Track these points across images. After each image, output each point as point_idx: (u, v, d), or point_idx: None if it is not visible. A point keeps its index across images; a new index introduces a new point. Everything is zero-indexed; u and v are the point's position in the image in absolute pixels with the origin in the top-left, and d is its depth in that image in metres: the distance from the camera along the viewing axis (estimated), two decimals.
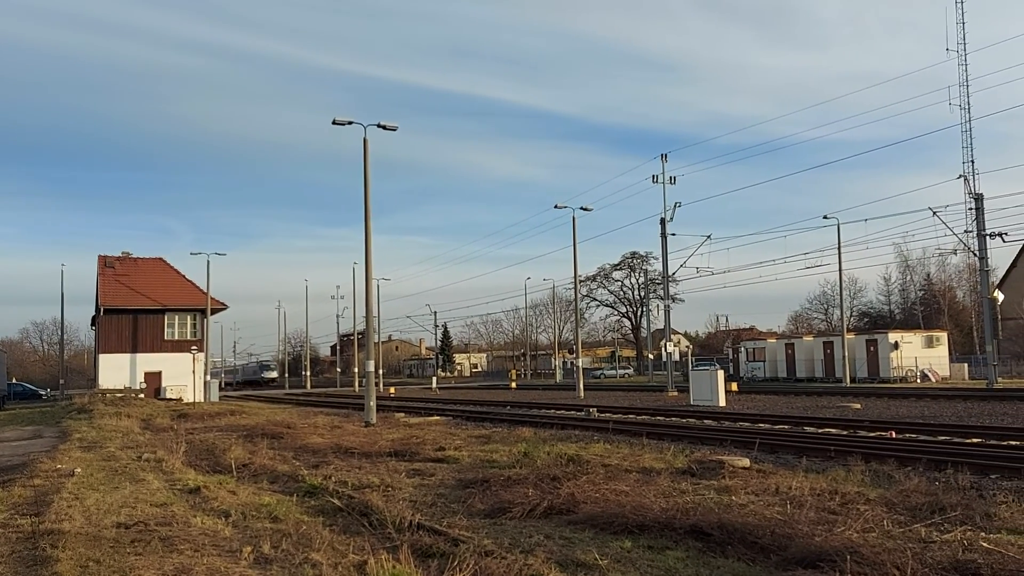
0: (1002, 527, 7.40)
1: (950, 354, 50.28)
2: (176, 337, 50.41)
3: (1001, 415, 22.35)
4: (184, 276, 53.61)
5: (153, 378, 49.22)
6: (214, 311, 52.57)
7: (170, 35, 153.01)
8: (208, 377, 50.67)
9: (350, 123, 26.25)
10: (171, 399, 45.29)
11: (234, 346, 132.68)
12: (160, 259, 55.11)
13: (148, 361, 49.36)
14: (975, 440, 15.67)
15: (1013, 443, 14.83)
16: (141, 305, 49.75)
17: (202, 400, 45.81)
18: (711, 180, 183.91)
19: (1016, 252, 66.84)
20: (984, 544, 6.34)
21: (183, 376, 48.66)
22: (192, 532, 7.94)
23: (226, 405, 39.54)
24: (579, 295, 58.62)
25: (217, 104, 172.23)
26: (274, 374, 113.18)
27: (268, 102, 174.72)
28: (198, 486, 11.00)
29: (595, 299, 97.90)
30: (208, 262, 51.76)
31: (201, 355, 49.43)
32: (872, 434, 17.27)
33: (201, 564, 6.53)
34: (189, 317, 51.08)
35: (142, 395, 45.24)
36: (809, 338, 56.67)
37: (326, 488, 10.57)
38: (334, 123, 26.11)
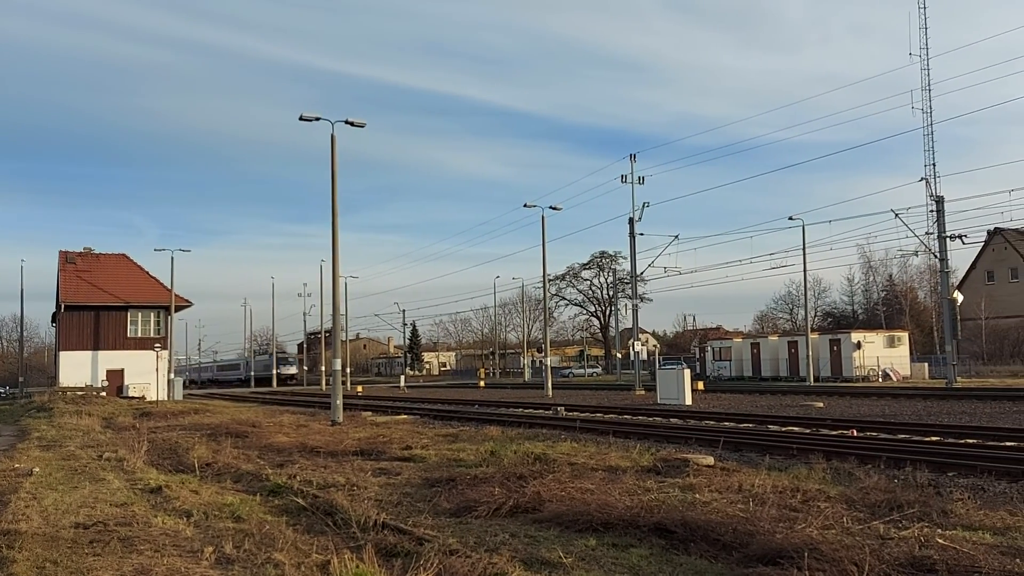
0: (958, 524, 7.55)
1: (911, 354, 51.21)
2: (139, 334, 49.62)
3: (959, 414, 22.81)
4: (148, 272, 52.79)
5: (115, 376, 48.41)
6: (178, 308, 51.87)
7: (138, 29, 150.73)
8: (172, 375, 50.01)
9: (317, 119, 26.05)
10: (134, 397, 44.63)
11: (199, 344, 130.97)
12: (123, 255, 54.22)
13: (110, 359, 48.53)
14: (934, 438, 15.96)
15: (970, 441, 15.13)
16: (103, 302, 48.89)
17: (166, 398, 45.22)
18: (679, 180, 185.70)
19: (975, 254, 68.37)
20: (940, 540, 6.46)
21: (146, 374, 48.01)
22: (153, 532, 7.84)
23: (190, 404, 39.04)
24: (548, 294, 58.73)
25: (184, 99, 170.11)
26: (294, 369, 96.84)
27: (236, 97, 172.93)
28: (160, 485, 10.87)
29: (564, 298, 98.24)
30: (172, 258, 51.09)
31: (165, 353, 48.81)
32: (834, 432, 17.52)
33: (161, 565, 6.45)
34: (153, 314, 50.28)
35: (104, 393, 44.50)
36: (774, 338, 57.37)
37: (290, 487, 10.49)
38: (301, 119, 25.92)
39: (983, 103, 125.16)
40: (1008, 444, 14.38)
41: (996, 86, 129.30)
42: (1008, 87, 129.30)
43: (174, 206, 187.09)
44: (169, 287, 50.40)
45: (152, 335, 49.78)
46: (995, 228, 61.41)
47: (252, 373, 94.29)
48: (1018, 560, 5.99)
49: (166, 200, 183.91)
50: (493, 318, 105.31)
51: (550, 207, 45.84)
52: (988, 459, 11.95)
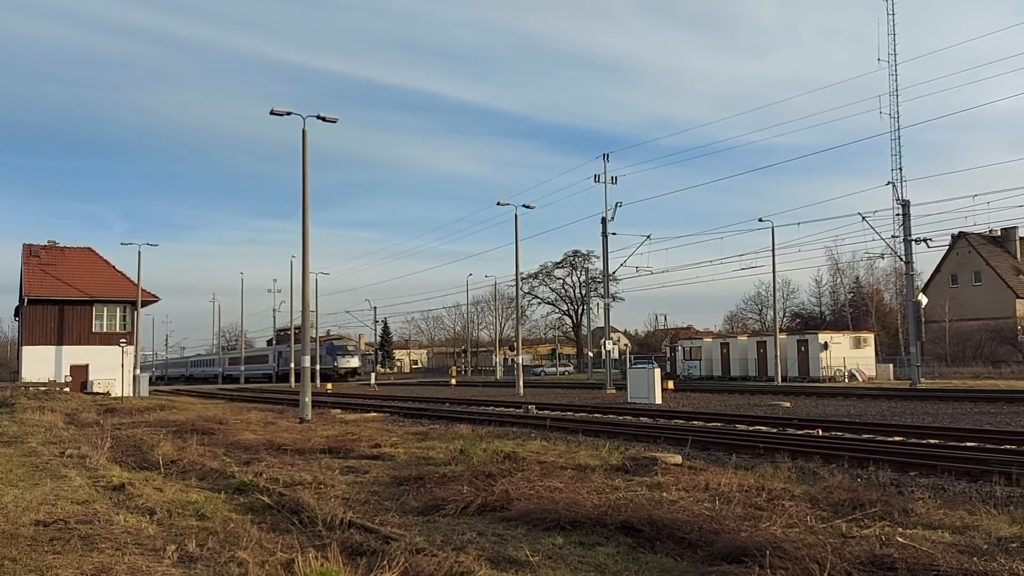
0: (918, 523, 7.68)
1: (876, 355, 51.95)
2: (104, 329, 48.91)
3: (922, 414, 23.18)
4: (114, 267, 52.05)
5: (79, 371, 47.68)
6: (145, 303, 51.15)
7: (110, 21, 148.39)
8: (138, 371, 49.33)
9: (288, 114, 25.83)
10: (98, 393, 44.00)
11: (166, 339, 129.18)
12: (88, 249, 53.39)
13: (74, 354, 47.78)
14: (897, 438, 16.19)
15: (932, 442, 15.38)
16: (68, 296, 48.09)
17: (131, 394, 44.62)
18: (652, 181, 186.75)
19: (940, 257, 69.66)
20: (900, 539, 6.56)
21: (111, 370, 47.31)
22: (114, 530, 7.73)
23: (156, 400, 38.55)
24: (521, 292, 58.80)
25: (155, 92, 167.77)
26: (356, 362, 74.55)
27: (208, 91, 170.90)
28: (123, 483, 10.73)
29: (537, 297, 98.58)
30: (139, 252, 50.34)
31: (131, 348, 48.14)
32: (800, 432, 17.72)
33: (122, 563, 6.37)
34: (118, 309, 49.57)
35: (67, 389, 43.82)
36: (743, 338, 57.92)
37: (256, 485, 10.39)
38: (272, 113, 25.68)
39: (949, 109, 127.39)
40: (969, 445, 14.64)
41: (962, 92, 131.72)
42: (973, 94, 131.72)
43: (142, 200, 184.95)
44: (136, 282, 49.72)
45: (118, 330, 49.11)
46: (959, 232, 62.69)
47: (278, 368, 72.16)
48: (975, 559, 6.09)
49: (134, 193, 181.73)
50: (465, 316, 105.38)
51: (523, 205, 45.96)
52: (949, 459, 12.15)
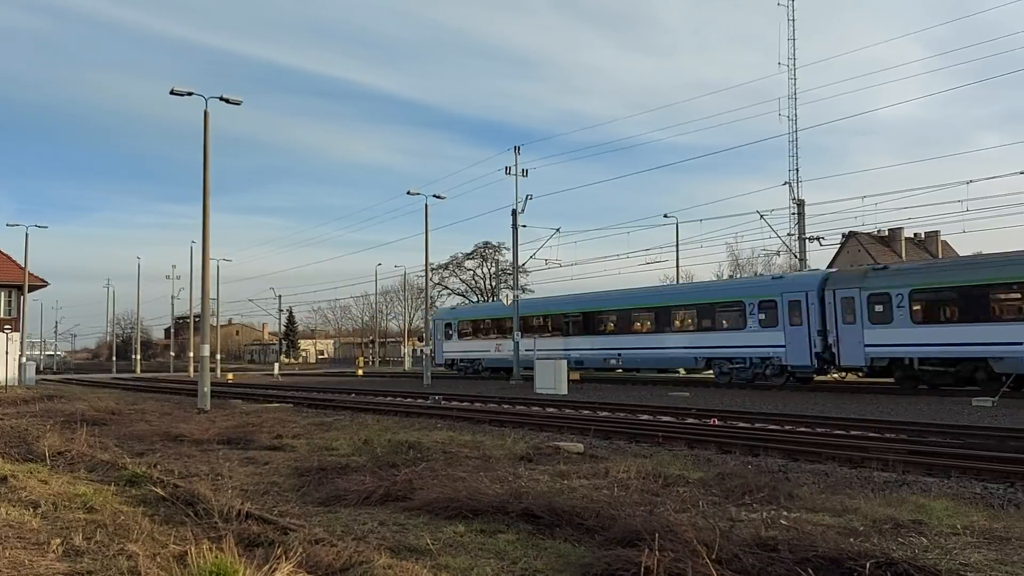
0: (802, 506, 8.08)
1: None
2: None
3: (812, 405, 24.28)
4: None
5: None
6: (33, 288, 48.58)
7: None
8: (24, 359, 46.82)
9: (190, 94, 24.94)
10: None
11: (56, 326, 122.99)
12: None
13: None
14: (787, 427, 16.92)
15: (819, 430, 16.15)
16: None
17: (16, 383, 42.36)
18: (562, 175, 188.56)
19: (832, 255, 72.96)
20: (784, 522, 6.91)
21: None
22: None
23: (44, 389, 36.70)
24: (430, 282, 58.50)
25: (48, 66, 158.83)
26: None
27: (108, 68, 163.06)
28: (4, 475, 10.22)
29: (447, 287, 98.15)
30: (27, 234, 47.71)
31: (16, 335, 45.69)
32: (698, 421, 18.32)
33: (2, 557, 6.09)
34: (3, 293, 46.98)
35: None
36: None
37: (149, 477, 10.08)
38: (172, 93, 24.76)
39: (843, 113, 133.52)
40: (853, 433, 15.44)
41: (855, 98, 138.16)
42: (865, 100, 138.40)
43: (34, 179, 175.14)
44: (23, 265, 47.14)
45: (2, 315, 46.55)
46: (850, 232, 65.83)
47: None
48: (852, 539, 6.48)
49: (25, 173, 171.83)
50: (374, 306, 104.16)
51: (434, 195, 45.62)
52: (834, 447, 12.81)
